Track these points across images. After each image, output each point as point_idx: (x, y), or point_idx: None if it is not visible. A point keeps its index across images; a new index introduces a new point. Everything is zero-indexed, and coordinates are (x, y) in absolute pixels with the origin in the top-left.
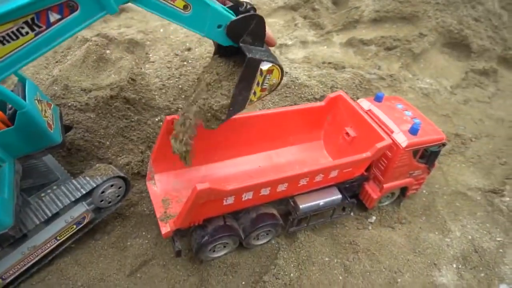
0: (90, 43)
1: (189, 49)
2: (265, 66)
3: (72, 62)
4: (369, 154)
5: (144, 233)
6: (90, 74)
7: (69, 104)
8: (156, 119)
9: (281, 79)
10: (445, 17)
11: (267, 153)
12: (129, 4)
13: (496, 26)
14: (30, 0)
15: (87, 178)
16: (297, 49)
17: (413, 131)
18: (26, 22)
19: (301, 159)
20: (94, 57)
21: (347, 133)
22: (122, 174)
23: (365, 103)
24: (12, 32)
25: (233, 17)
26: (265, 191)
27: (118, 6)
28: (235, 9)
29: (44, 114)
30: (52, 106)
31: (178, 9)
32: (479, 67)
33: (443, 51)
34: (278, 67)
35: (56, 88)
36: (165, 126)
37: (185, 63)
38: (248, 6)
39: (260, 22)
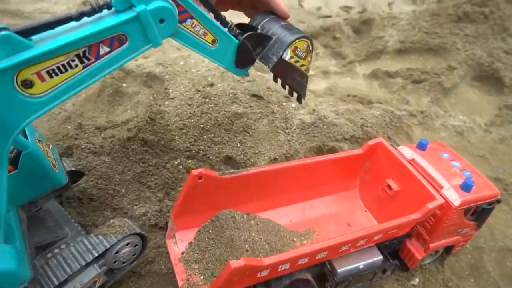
0: (106, 76)
1: (211, 85)
2: (287, 55)
3: (86, 96)
4: (418, 216)
5: None
6: (105, 109)
7: (83, 146)
8: (176, 162)
9: (311, 41)
10: (475, 49)
11: (299, 205)
12: None
13: None
14: (88, 32)
15: (100, 237)
16: (319, 80)
17: (466, 187)
18: (77, 55)
19: (335, 212)
20: (110, 91)
21: (388, 186)
22: (139, 231)
23: (407, 151)
24: (63, 65)
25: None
26: (303, 261)
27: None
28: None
29: (47, 154)
30: (50, 147)
31: (207, 43)
32: None
33: (473, 85)
34: (297, 41)
35: (69, 127)
36: (190, 181)
37: (207, 100)
38: (233, 26)
39: (250, 37)
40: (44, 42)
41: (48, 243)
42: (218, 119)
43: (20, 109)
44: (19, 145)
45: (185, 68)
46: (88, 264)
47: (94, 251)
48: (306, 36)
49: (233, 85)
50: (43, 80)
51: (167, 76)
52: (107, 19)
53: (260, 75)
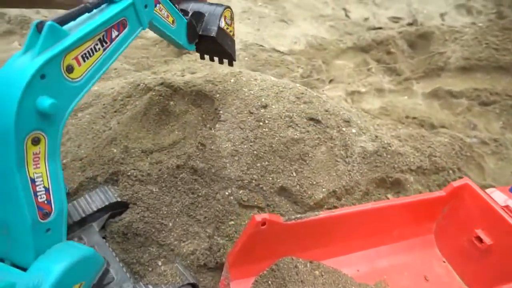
0: (153, 93)
1: (265, 106)
2: (222, 23)
3: (132, 114)
4: None
5: None
6: (151, 129)
7: (129, 173)
8: (226, 193)
9: (231, 11)
10: None
11: (366, 252)
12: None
13: None
14: (105, 19)
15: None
16: (372, 98)
17: None
18: (100, 39)
19: (408, 262)
20: (157, 110)
21: (478, 237)
22: (192, 281)
23: (499, 196)
24: (91, 49)
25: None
26: None
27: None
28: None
29: None
30: None
31: (169, 23)
32: None
33: None
34: (223, 11)
35: (115, 150)
36: (252, 228)
37: (260, 123)
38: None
39: (193, 17)
40: (74, 30)
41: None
42: (273, 145)
43: (67, 93)
44: None
45: (236, 86)
46: None
47: None
48: (228, 6)
49: (289, 107)
50: (80, 64)
51: (217, 95)
52: (112, 7)
53: (317, 96)
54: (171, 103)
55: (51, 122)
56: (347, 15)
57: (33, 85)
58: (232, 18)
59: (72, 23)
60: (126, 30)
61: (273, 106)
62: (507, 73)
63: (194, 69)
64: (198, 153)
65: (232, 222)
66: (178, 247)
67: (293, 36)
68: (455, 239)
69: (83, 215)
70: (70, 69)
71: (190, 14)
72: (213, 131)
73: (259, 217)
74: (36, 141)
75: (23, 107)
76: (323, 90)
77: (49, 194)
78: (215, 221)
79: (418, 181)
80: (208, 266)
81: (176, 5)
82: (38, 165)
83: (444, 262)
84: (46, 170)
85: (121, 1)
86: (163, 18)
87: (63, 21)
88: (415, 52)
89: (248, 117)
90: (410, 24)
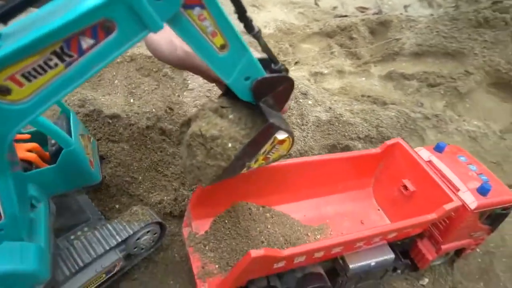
0: (124, 65)
1: None
2: (280, 136)
3: (106, 86)
4: (434, 216)
5: (171, 282)
6: (124, 97)
7: (101, 133)
8: None
9: (288, 151)
10: (493, 56)
11: (313, 201)
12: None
13: None
14: (60, 24)
15: (123, 224)
16: (333, 79)
17: (483, 191)
18: (54, 52)
19: (349, 210)
20: (131, 81)
21: (404, 186)
22: (160, 220)
23: (424, 153)
24: (39, 65)
25: (265, 73)
26: (318, 254)
27: (164, 22)
28: (267, 65)
29: (87, 151)
30: (91, 140)
31: (214, 46)
32: None
33: (489, 91)
34: (291, 140)
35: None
36: None
37: None
38: (282, 67)
39: (289, 87)
40: (12, 38)
41: (70, 225)
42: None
43: (2, 118)
44: (62, 141)
45: None
46: (111, 249)
47: (118, 237)
48: (292, 136)
49: None
50: (21, 85)
51: None
52: (83, 3)
53: None
54: (146, 79)
55: None
56: (316, 3)
57: None
58: (277, 157)
59: (12, 27)
60: (113, 36)
61: None
62: (453, 58)
63: None
64: (166, 116)
65: None
66: (147, 198)
67: (263, 21)
68: (387, 189)
69: None
70: (3, 91)
71: (284, 75)
72: (181, 98)
73: None
74: None
75: None
76: None
77: None
78: (181, 176)
79: (365, 148)
80: (174, 214)
81: (252, 24)
82: None
83: (379, 210)
84: None
85: None
86: (201, 33)
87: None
88: (375, 38)
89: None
90: (376, 14)
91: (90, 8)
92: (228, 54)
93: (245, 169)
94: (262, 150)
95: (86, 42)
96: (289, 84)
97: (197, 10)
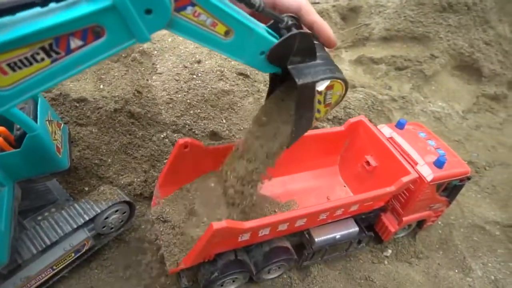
0: None
1: (199, 62)
2: (321, 87)
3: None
4: (393, 189)
5: (143, 261)
6: (93, 82)
7: (69, 117)
8: (162, 136)
9: (346, 90)
10: (457, 40)
11: (281, 178)
12: None
13: (506, 51)
14: (53, 23)
15: (91, 203)
16: None
17: (439, 164)
18: (42, 48)
19: (316, 186)
20: (99, 67)
21: (367, 162)
22: (128, 199)
23: (386, 130)
24: (26, 58)
25: (275, 41)
26: (282, 227)
27: (151, 35)
28: (275, 27)
29: (54, 137)
30: (62, 126)
31: (218, 35)
32: (490, 92)
33: (453, 74)
34: (339, 80)
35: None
36: (176, 150)
37: (194, 76)
38: (289, 22)
39: (304, 38)
40: (2, 31)
41: (37, 207)
42: (205, 95)
43: None
44: (25, 126)
45: (173, 44)
46: (78, 228)
47: (85, 215)
48: (346, 81)
49: (221, 63)
50: (5, 73)
51: (155, 52)
52: (79, 7)
53: None
54: (115, 64)
55: None
56: None
57: None
58: (338, 99)
59: (5, 20)
60: (101, 40)
61: (206, 62)
62: (419, 42)
63: None
64: (134, 100)
65: (168, 158)
66: (116, 180)
67: None
68: (352, 166)
69: None
70: None
71: (300, 32)
72: (149, 81)
73: (182, 140)
74: None
75: None
76: None
77: None
78: (151, 159)
79: None
80: (144, 195)
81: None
82: None
83: (344, 186)
84: None
85: (95, 1)
86: (201, 27)
87: None
88: (346, 24)
89: (183, 70)
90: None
91: (86, 13)
92: (234, 38)
93: (314, 120)
94: (315, 103)
95: (75, 43)
96: (302, 36)
97: (189, 9)
